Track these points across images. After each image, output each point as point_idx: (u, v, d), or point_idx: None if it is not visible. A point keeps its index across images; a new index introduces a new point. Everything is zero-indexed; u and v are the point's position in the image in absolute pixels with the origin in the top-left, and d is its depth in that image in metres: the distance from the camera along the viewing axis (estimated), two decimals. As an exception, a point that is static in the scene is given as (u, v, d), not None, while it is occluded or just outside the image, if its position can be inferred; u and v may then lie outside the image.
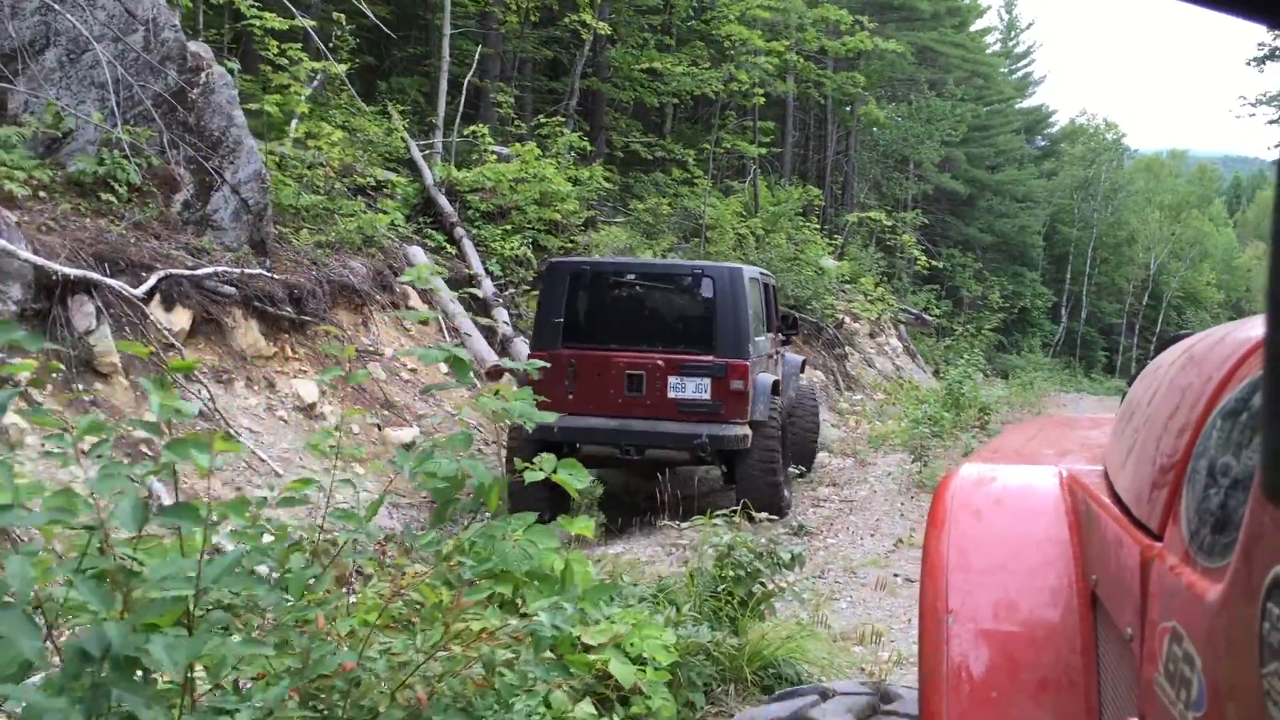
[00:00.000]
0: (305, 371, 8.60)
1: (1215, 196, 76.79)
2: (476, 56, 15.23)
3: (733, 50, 20.83)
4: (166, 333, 7.28)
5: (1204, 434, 1.28)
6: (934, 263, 37.30)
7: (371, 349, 9.87)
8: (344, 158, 11.50)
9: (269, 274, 8.60)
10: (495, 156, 13.88)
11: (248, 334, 8.18)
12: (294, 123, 11.93)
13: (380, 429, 8.85)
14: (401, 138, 14.48)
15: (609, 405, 8.27)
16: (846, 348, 24.47)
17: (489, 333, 12.09)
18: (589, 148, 14.56)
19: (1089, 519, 1.68)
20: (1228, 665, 1.00)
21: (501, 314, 12.12)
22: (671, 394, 8.23)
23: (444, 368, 10.28)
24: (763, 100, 21.25)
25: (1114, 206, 55.82)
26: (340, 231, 10.50)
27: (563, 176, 14.12)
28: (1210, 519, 1.16)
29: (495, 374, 11.32)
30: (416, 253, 11.98)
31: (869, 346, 27.63)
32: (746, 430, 8.27)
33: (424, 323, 11.24)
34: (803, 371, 11.66)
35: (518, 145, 13.48)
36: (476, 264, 12.63)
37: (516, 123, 15.62)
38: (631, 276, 8.85)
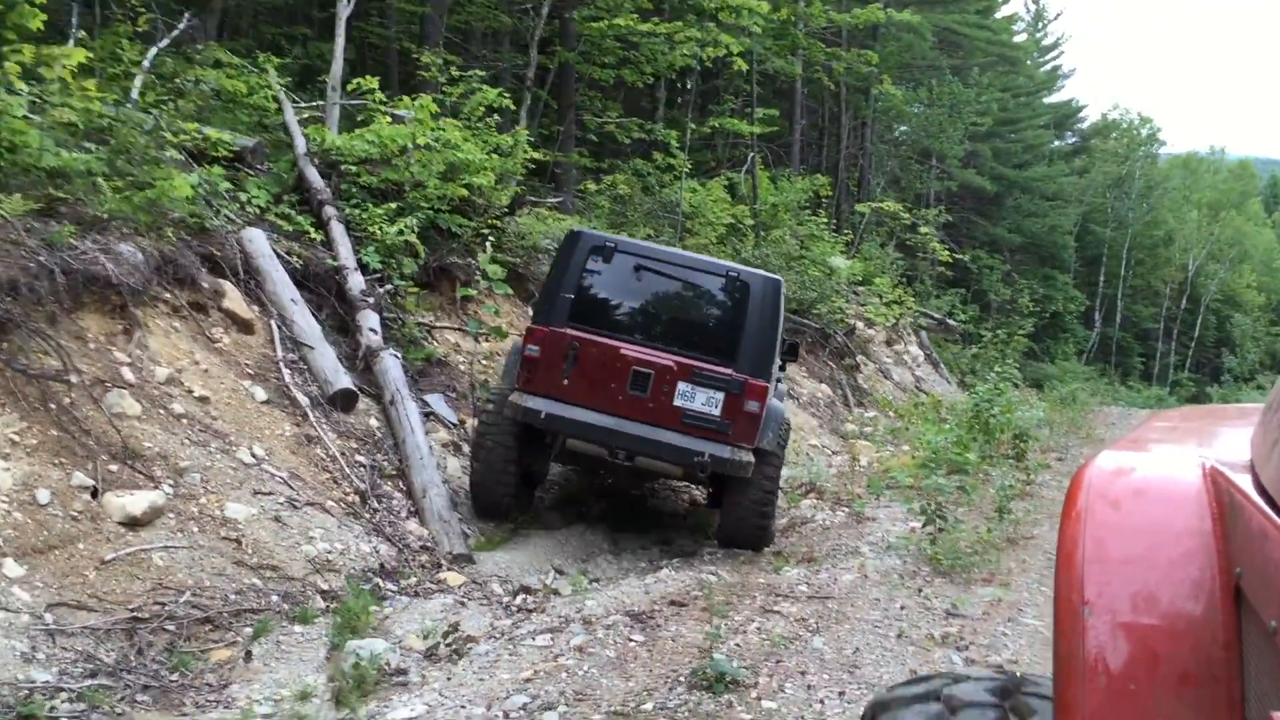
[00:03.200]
0: (-34, 406, 5.51)
1: (1254, 195, 73.16)
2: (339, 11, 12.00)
3: (719, 9, 17.61)
4: None
5: None
6: (959, 256, 34.05)
7: (131, 367, 6.77)
8: (136, 104, 8.40)
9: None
10: (389, 119, 10.78)
11: None
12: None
13: (97, 494, 5.74)
14: (273, 97, 11.43)
15: (606, 401, 7.36)
16: (859, 357, 21.36)
17: (353, 343, 9.01)
18: (513, 107, 11.42)
19: (1233, 511, 1.67)
20: None
21: (369, 319, 8.99)
22: (678, 402, 7.34)
23: (260, 395, 7.18)
24: (744, 65, 17.99)
25: (1149, 205, 52.71)
26: (110, 202, 7.41)
27: (478, 144, 11.00)
28: None
29: (345, 401, 8.21)
30: (255, 236, 8.89)
31: (885, 355, 24.52)
32: (751, 458, 7.38)
33: (248, 331, 8.15)
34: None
35: (406, 100, 10.38)
36: (345, 253, 9.51)
37: (446, 89, 12.50)
38: (658, 264, 7.72)
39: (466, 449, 9.08)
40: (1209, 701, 1.58)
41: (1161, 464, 1.97)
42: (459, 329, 10.28)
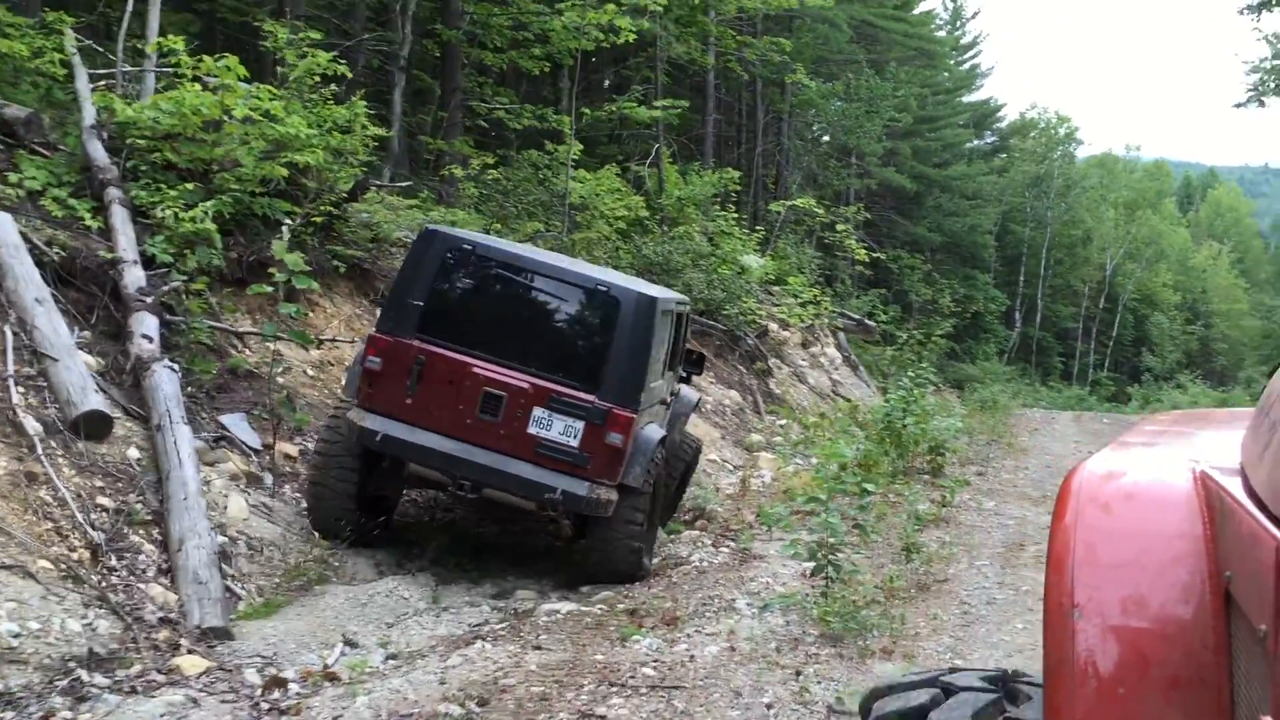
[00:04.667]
0: None
1: (1168, 195, 74.04)
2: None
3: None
4: None
5: None
6: (878, 256, 33.10)
7: None
8: None
9: None
10: (199, 87, 9.11)
11: None
12: None
13: None
14: (64, 61, 9.69)
15: (453, 424, 6.65)
16: (771, 360, 20.02)
17: (121, 351, 7.32)
18: (344, 71, 9.76)
19: (1223, 515, 1.65)
20: None
21: (144, 323, 7.31)
22: (533, 429, 6.62)
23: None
24: (632, 35, 16.50)
25: (1067, 204, 52.74)
26: None
27: (307, 117, 9.36)
28: None
29: (93, 427, 6.51)
30: (0, 222, 7.16)
31: (800, 358, 23.23)
32: (613, 495, 6.70)
33: (-31, 339, 6.43)
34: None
35: (209, 62, 8.70)
36: (126, 243, 7.82)
37: (286, 57, 10.80)
38: (523, 271, 6.92)
39: (269, 480, 7.48)
40: (1198, 705, 1.55)
41: (1152, 468, 1.94)
42: (279, 336, 8.62)
